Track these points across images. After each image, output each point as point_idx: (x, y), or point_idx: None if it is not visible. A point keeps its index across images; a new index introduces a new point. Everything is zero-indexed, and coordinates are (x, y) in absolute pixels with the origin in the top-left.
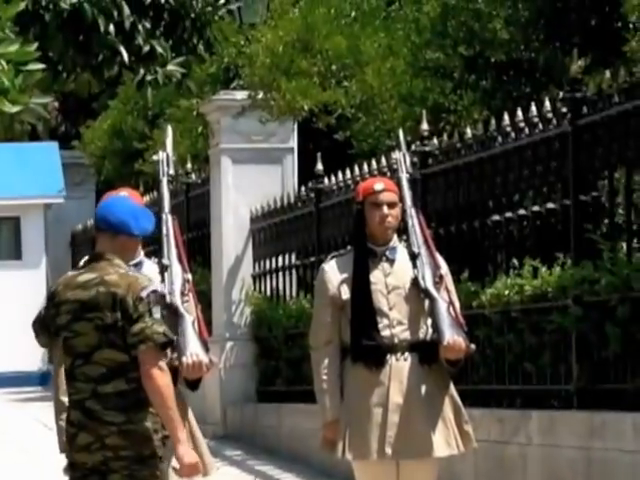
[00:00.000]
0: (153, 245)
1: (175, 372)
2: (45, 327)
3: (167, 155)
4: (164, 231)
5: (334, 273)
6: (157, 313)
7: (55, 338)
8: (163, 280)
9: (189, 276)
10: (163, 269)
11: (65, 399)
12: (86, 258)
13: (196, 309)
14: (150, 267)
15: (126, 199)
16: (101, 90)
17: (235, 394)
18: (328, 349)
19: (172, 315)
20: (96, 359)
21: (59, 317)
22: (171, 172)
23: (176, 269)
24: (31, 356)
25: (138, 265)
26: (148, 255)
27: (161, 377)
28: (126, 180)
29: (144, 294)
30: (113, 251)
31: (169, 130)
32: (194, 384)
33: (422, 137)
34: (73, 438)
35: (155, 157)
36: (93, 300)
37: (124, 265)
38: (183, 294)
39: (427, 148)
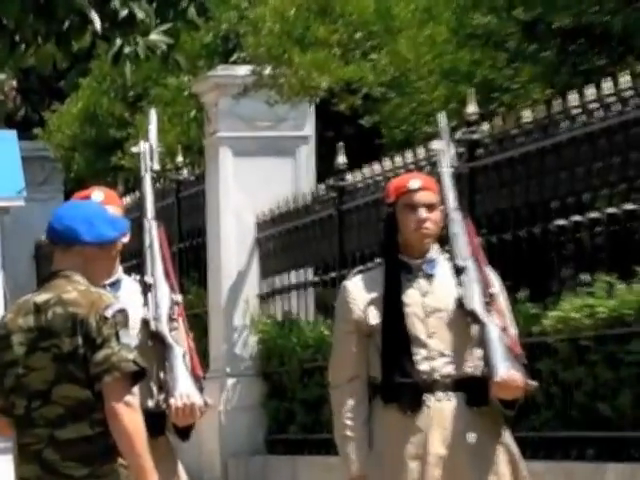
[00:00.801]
0: (134, 259)
1: (162, 417)
2: None
3: (150, 146)
4: (147, 241)
5: (359, 292)
6: (125, 337)
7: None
8: (146, 302)
9: (179, 297)
10: (146, 288)
11: None
12: (44, 277)
13: (187, 338)
14: (130, 286)
15: (82, 203)
16: (69, 66)
17: (238, 444)
18: (353, 387)
19: (158, 346)
20: (54, 398)
21: (9, 351)
22: (156, 167)
23: (162, 289)
24: None
25: (115, 284)
26: (128, 271)
27: (129, 415)
28: (101, 177)
29: (109, 313)
30: (72, 267)
31: (153, 115)
32: (185, 432)
33: (469, 122)
34: None
35: (135, 149)
36: (49, 325)
37: (85, 281)
38: (171, 319)
39: (475, 136)
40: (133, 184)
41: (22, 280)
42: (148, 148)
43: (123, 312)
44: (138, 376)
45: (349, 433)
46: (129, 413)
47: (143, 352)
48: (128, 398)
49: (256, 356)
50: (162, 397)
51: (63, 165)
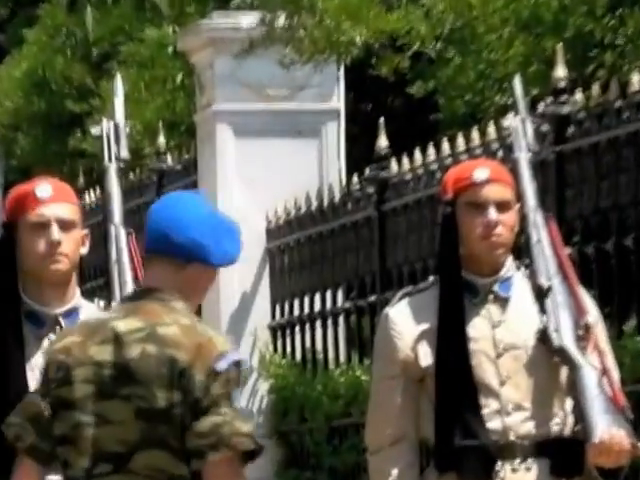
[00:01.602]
0: (97, 278)
1: None
2: (37, 422)
3: (116, 126)
4: (113, 254)
5: (406, 323)
6: (237, 400)
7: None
8: None
9: None
10: None
11: None
12: (129, 293)
13: None
14: (92, 316)
15: (200, 200)
16: (9, 13)
17: None
18: (398, 451)
19: None
20: (135, 467)
21: (67, 387)
22: (124, 155)
23: None
24: None
25: (71, 314)
26: (89, 295)
27: None
28: (54, 165)
29: (222, 366)
30: (176, 288)
31: (119, 81)
32: None
33: (556, 90)
34: None
35: (95, 130)
36: (136, 366)
37: (187, 310)
38: None
39: (565, 109)
40: (98, 177)
41: None
42: (113, 128)
43: (239, 365)
44: (253, 456)
45: None
46: None
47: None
48: None
49: (268, 409)
50: None
51: (2, 149)
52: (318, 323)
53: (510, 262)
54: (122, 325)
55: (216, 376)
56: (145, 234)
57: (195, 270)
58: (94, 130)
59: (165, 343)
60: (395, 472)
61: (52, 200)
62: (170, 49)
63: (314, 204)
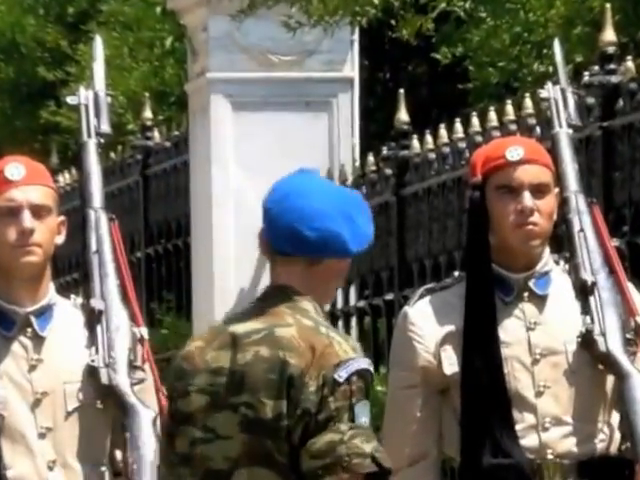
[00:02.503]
0: (73, 272)
1: None
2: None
3: (95, 95)
4: (93, 244)
5: (428, 324)
6: (364, 415)
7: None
8: (93, 340)
9: (144, 331)
10: (93, 318)
11: None
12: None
13: (160, 396)
14: (67, 315)
15: (320, 180)
16: None
17: None
18: (418, 472)
19: (113, 409)
20: None
21: (186, 399)
22: (105, 129)
23: (118, 318)
24: None
25: (44, 313)
26: (64, 291)
27: None
28: (25, 141)
29: (343, 375)
30: (306, 285)
31: (98, 43)
32: None
33: (605, 57)
34: None
35: (72, 99)
36: (244, 372)
37: (317, 312)
38: (134, 367)
39: (614, 79)
40: (74, 153)
41: None
42: (92, 98)
43: (365, 374)
44: (379, 478)
45: None
46: None
47: (88, 419)
48: None
49: None
50: None
51: None
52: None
53: (547, 255)
54: (241, 327)
55: (334, 387)
56: (266, 230)
57: (329, 264)
58: (70, 100)
59: (279, 345)
60: None
61: (24, 182)
62: (158, 9)
63: None
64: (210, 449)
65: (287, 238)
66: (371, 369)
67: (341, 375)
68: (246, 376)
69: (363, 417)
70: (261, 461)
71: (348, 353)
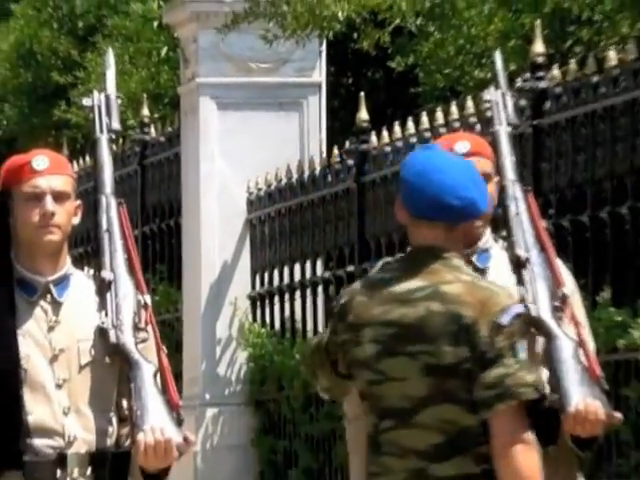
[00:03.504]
0: (86, 246)
1: (125, 459)
2: (328, 362)
3: (107, 97)
4: (104, 224)
5: None
6: (523, 351)
7: (344, 382)
8: (104, 305)
9: (147, 298)
10: (104, 287)
11: None
12: (405, 252)
13: (160, 353)
14: (82, 284)
15: (448, 155)
16: None
17: None
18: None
19: (120, 363)
20: (422, 421)
21: (358, 347)
22: (115, 126)
23: (125, 286)
24: None
25: (62, 282)
26: (78, 263)
27: (525, 455)
28: (40, 136)
29: (506, 320)
30: (446, 245)
31: (110, 54)
32: (157, 478)
33: (535, 65)
34: None
35: (87, 101)
36: (421, 324)
37: (468, 268)
38: (138, 328)
39: (543, 83)
40: (83, 146)
41: None
42: (104, 100)
43: (522, 317)
44: (538, 404)
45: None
46: (525, 452)
47: (99, 373)
48: (524, 434)
49: (246, 378)
50: (125, 432)
51: None
52: (297, 293)
53: (488, 234)
54: (403, 285)
55: (499, 330)
56: (407, 200)
57: (465, 226)
58: (86, 101)
59: (449, 301)
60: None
61: (48, 172)
62: (155, 23)
63: (295, 176)
64: (381, 389)
65: (432, 206)
66: (525, 312)
67: (504, 319)
68: (424, 328)
69: (522, 353)
70: (447, 399)
71: (507, 300)
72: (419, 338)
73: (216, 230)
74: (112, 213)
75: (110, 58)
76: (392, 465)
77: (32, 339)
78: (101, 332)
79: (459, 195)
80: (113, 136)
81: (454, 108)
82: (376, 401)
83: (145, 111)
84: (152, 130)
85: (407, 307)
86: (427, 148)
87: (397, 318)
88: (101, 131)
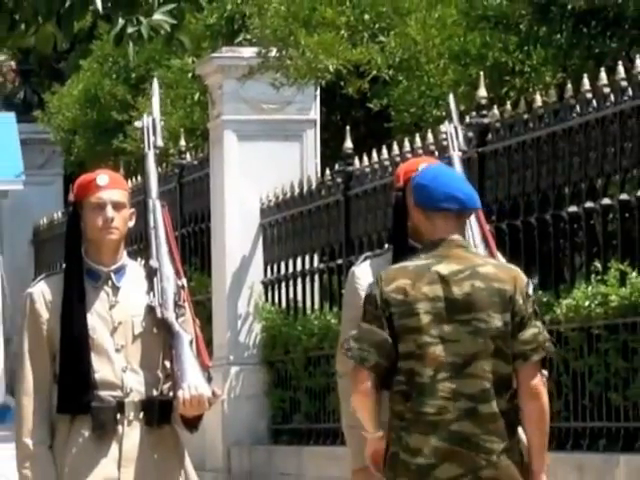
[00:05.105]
0: (138, 243)
1: (168, 406)
2: (381, 347)
3: (153, 120)
4: (151, 222)
5: (368, 279)
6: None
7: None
8: (151, 288)
9: (184, 282)
10: (151, 273)
11: (30, 442)
12: (426, 246)
13: (194, 325)
14: (135, 271)
15: (446, 167)
16: (70, 46)
17: (242, 433)
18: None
19: (164, 333)
20: (473, 372)
21: (412, 318)
22: (159, 143)
23: (168, 273)
24: None
25: (120, 270)
26: (132, 256)
27: (545, 394)
28: (102, 160)
29: (530, 289)
30: (458, 232)
31: (155, 87)
32: (193, 423)
33: (479, 106)
34: (426, 472)
35: (138, 123)
36: (468, 298)
37: (480, 251)
38: (178, 305)
39: (486, 120)
40: (135, 168)
41: (20, 263)
42: (151, 122)
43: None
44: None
45: (356, 423)
46: (544, 392)
47: (148, 340)
48: (543, 378)
49: (260, 344)
50: (168, 387)
51: (63, 148)
52: (299, 280)
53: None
54: (443, 268)
55: (527, 298)
56: (422, 199)
57: (467, 215)
58: (137, 123)
59: (490, 279)
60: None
61: (108, 187)
62: (190, 74)
63: (297, 190)
64: (437, 349)
65: (446, 198)
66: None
67: (530, 290)
68: (472, 300)
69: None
70: (495, 354)
71: (525, 277)
72: (469, 309)
73: (237, 232)
74: (157, 214)
75: (155, 88)
76: (448, 406)
77: (97, 315)
78: (150, 309)
79: (463, 190)
80: (157, 151)
81: (418, 139)
82: (431, 358)
83: (182, 142)
84: (187, 156)
85: (453, 286)
86: (431, 164)
87: (446, 294)
88: (149, 147)
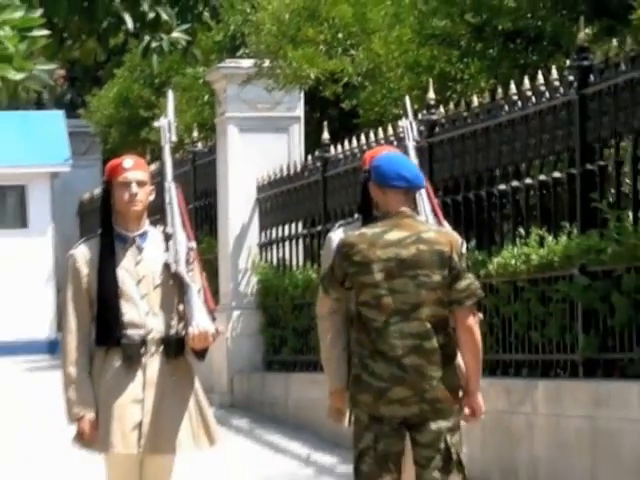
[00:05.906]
0: (157, 214)
1: (182, 342)
2: (336, 282)
3: (169, 121)
4: (167, 199)
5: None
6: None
7: (347, 292)
8: (168, 249)
9: (193, 244)
10: (167, 237)
11: (73, 370)
12: (383, 216)
13: (201, 278)
14: (155, 236)
15: (399, 154)
16: (107, 58)
17: (242, 363)
18: (334, 319)
19: (178, 284)
20: (419, 316)
21: (368, 275)
22: (174, 139)
23: (180, 237)
24: (39, 324)
25: (143, 235)
26: (153, 224)
27: (478, 330)
28: (132, 148)
29: (463, 248)
30: (407, 206)
31: (170, 95)
32: (201, 354)
33: (429, 105)
34: (383, 392)
35: (157, 124)
36: (414, 258)
37: (421, 220)
38: (188, 262)
39: (434, 117)
40: (158, 154)
41: (68, 232)
42: (167, 123)
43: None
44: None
45: (331, 356)
46: (477, 328)
47: (165, 290)
48: (477, 317)
49: (256, 293)
50: (181, 326)
51: (101, 139)
52: (287, 243)
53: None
54: (394, 235)
55: (461, 255)
56: (379, 178)
57: (413, 193)
58: (156, 124)
59: (431, 242)
60: (332, 331)
61: (133, 168)
62: (201, 80)
63: (285, 172)
64: (390, 299)
65: (398, 178)
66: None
67: (463, 250)
68: (417, 260)
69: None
70: (435, 302)
71: (459, 238)
72: (415, 266)
73: (237, 205)
74: (172, 193)
75: (170, 97)
76: (397, 344)
77: (125, 270)
78: (166, 265)
79: (411, 172)
80: (172, 145)
81: (381, 131)
82: (384, 307)
83: (195, 134)
84: (199, 145)
85: (401, 249)
86: (388, 152)
87: (395, 256)
88: (165, 142)
